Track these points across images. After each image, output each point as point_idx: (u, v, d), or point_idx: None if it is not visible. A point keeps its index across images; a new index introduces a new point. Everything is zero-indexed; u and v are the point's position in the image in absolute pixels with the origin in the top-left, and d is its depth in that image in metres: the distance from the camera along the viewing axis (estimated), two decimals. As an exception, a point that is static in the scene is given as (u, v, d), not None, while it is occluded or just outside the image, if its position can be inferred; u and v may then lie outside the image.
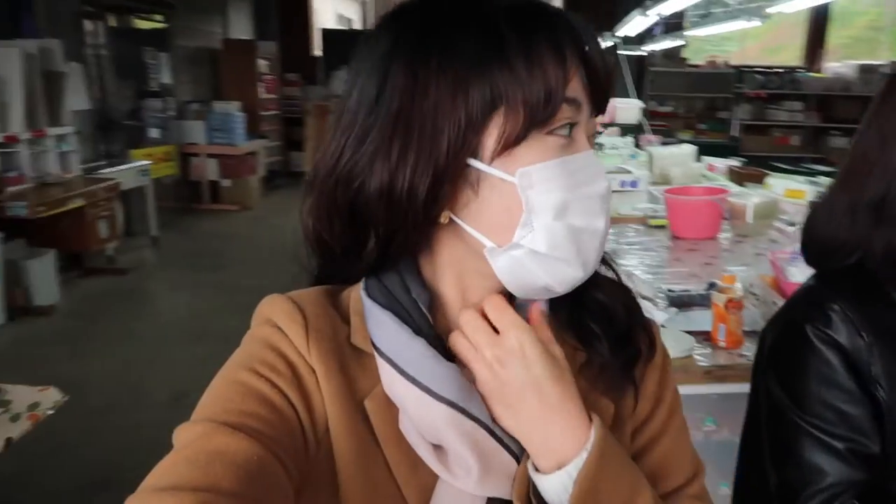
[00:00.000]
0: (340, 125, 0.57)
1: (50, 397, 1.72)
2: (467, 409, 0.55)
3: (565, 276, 0.56)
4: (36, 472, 2.58)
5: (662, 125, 8.34)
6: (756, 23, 4.06)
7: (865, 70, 8.88)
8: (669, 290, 1.87)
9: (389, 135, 0.54)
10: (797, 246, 1.90)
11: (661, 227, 2.68)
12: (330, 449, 0.56)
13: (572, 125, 0.55)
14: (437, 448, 0.56)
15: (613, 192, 3.38)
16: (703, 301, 1.75)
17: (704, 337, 1.57)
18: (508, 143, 0.53)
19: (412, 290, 0.60)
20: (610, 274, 0.66)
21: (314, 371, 0.56)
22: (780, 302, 1.65)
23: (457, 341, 0.58)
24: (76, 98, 5.40)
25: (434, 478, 0.57)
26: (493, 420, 0.56)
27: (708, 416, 1.48)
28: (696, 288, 1.89)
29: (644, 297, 1.79)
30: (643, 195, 3.39)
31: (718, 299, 1.54)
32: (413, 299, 0.59)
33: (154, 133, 6.88)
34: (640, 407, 0.65)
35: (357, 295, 0.61)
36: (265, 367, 0.56)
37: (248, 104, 8.02)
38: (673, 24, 6.50)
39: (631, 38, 6.49)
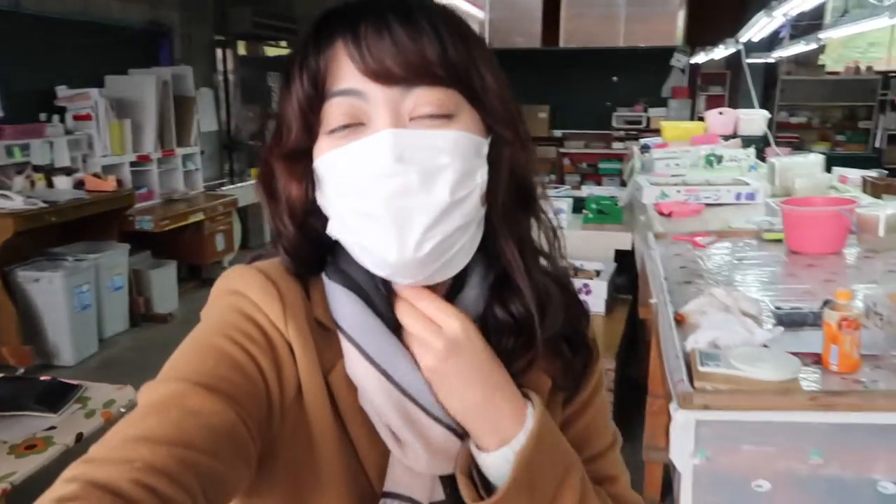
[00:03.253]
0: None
1: (126, 395, 1.79)
2: (415, 397, 0.57)
3: (369, 260, 0.58)
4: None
5: (793, 137, 7.76)
6: (898, 19, 3.65)
7: None
8: (777, 308, 1.67)
9: (275, 129, 0.62)
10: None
11: (778, 241, 2.44)
12: (294, 422, 0.57)
13: (349, 122, 0.56)
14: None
15: (728, 205, 3.23)
16: (815, 320, 1.55)
17: (814, 360, 1.38)
18: (300, 144, 0.59)
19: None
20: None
21: (290, 345, 0.58)
22: (910, 322, 1.42)
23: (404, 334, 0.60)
24: (205, 120, 5.80)
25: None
26: (439, 405, 0.58)
27: (814, 449, 1.28)
28: (808, 306, 1.68)
29: (746, 315, 1.61)
30: (761, 208, 3.13)
31: (831, 318, 1.35)
32: (371, 278, 0.60)
33: (273, 153, 7.25)
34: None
35: (316, 274, 0.63)
36: (240, 335, 0.56)
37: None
38: (805, 27, 6.03)
39: (757, 45, 6.07)
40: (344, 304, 0.60)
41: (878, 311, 1.54)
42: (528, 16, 9.70)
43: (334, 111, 0.57)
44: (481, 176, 0.59)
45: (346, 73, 0.56)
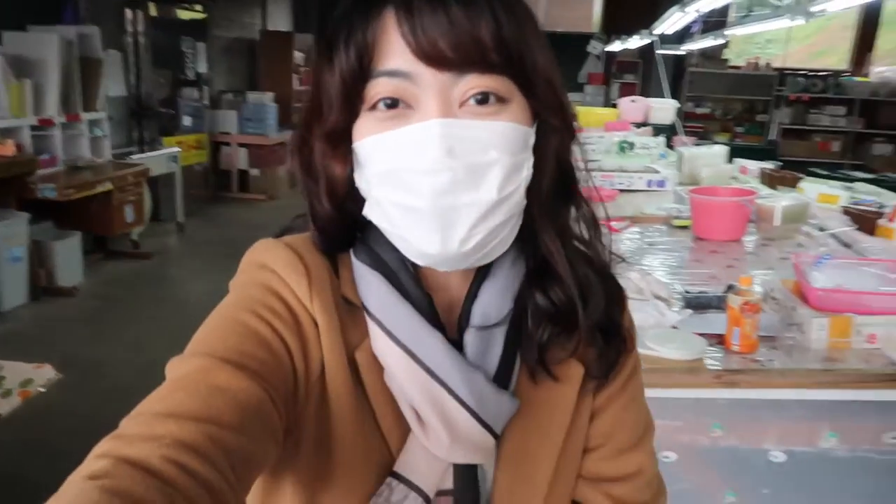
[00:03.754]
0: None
1: (43, 374, 1.72)
2: (443, 379, 0.57)
3: (410, 251, 0.57)
4: (47, 444, 2.60)
5: (698, 127, 8.16)
6: (800, 21, 3.91)
7: (915, 76, 8.56)
8: (686, 292, 1.80)
9: (309, 107, 0.59)
10: (822, 250, 1.81)
11: (685, 227, 2.60)
12: (319, 398, 0.57)
13: (395, 101, 0.54)
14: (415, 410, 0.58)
15: (640, 191, 3.40)
16: (719, 304, 1.68)
17: (718, 340, 1.51)
18: (341, 123, 0.56)
19: (397, 249, 0.60)
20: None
21: (315, 322, 0.57)
22: (802, 308, 1.57)
23: None
24: (113, 85, 5.48)
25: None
26: (467, 389, 0.57)
27: (715, 422, 1.40)
28: (713, 290, 1.82)
29: (658, 298, 1.73)
30: (670, 195, 3.30)
31: (734, 301, 1.47)
32: (400, 258, 0.59)
33: (187, 121, 6.96)
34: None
35: (345, 252, 0.62)
36: (266, 311, 0.56)
37: (283, 96, 8.06)
38: (713, 24, 6.34)
39: (669, 37, 6.35)
40: (371, 285, 0.59)
41: (774, 295, 1.69)
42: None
43: (380, 90, 0.54)
44: (528, 169, 0.57)
45: (396, 50, 0.53)
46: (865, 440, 1.38)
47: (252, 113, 7.53)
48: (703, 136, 6.52)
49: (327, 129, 0.57)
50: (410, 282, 0.59)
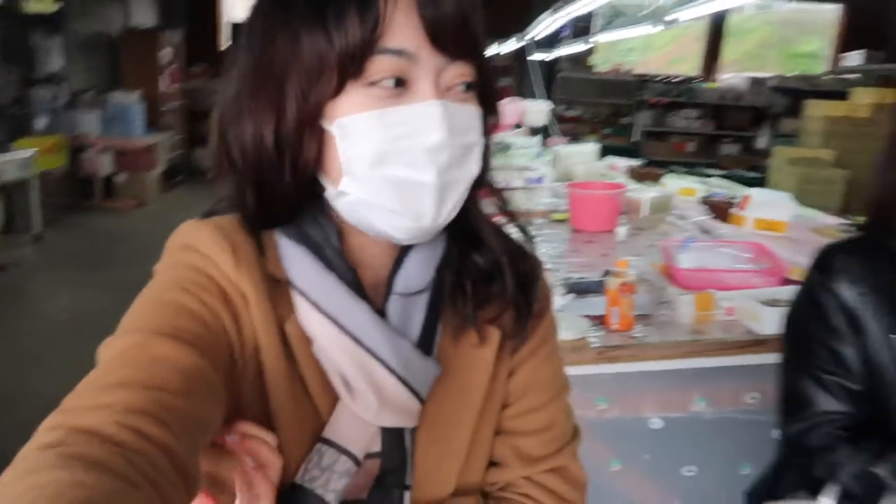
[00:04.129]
0: (229, 77, 0.60)
1: None
2: (370, 347, 0.59)
3: (397, 224, 0.58)
4: None
5: (569, 128, 8.56)
6: (660, 27, 4.23)
7: (755, 82, 9.47)
8: (567, 278, 1.90)
9: (250, 86, 0.57)
10: (686, 235, 1.97)
11: (563, 221, 2.74)
12: (254, 370, 0.58)
13: (400, 79, 0.55)
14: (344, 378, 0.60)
15: (519, 188, 3.54)
16: (598, 288, 1.79)
17: (599, 321, 1.60)
18: (327, 96, 0.55)
19: (324, 225, 0.61)
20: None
21: (244, 295, 0.58)
22: (670, 287, 1.71)
23: None
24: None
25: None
26: (395, 357, 0.59)
27: (599, 396, 1.50)
28: (591, 276, 1.93)
29: (542, 284, 1.82)
30: (547, 191, 3.46)
31: (612, 284, 1.57)
32: (325, 233, 0.61)
33: (41, 122, 6.41)
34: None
35: (269, 231, 0.62)
36: (195, 287, 0.56)
37: (149, 95, 7.62)
38: (581, 29, 6.68)
39: (541, 42, 6.63)
40: (297, 260, 0.60)
41: (646, 278, 1.82)
42: None
43: (384, 67, 0.54)
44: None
45: (405, 28, 0.54)
46: (729, 402, 1.53)
47: (116, 113, 7.05)
48: (574, 137, 6.84)
49: (313, 101, 0.56)
50: (336, 256, 0.61)
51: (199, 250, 0.58)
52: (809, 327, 1.05)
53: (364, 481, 0.62)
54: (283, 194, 0.59)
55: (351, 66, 0.54)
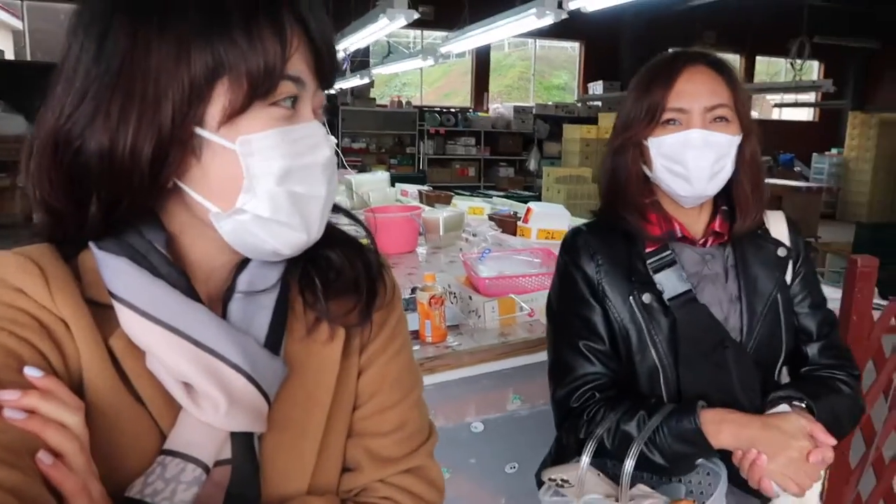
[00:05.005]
0: (61, 81, 0.55)
1: None
2: (213, 348, 0.57)
3: (290, 239, 0.59)
4: None
5: (357, 161, 8.70)
6: (430, 61, 4.50)
7: (520, 111, 10.43)
8: (377, 299, 1.92)
9: (109, 95, 0.53)
10: (483, 247, 2.08)
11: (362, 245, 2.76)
12: (87, 391, 0.55)
13: (295, 98, 0.58)
14: (187, 384, 0.57)
15: None
16: (409, 305, 1.83)
17: (415, 335, 1.63)
18: (233, 113, 0.55)
19: (146, 235, 0.59)
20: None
21: (62, 319, 0.55)
22: (475, 296, 1.80)
23: None
24: None
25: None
26: (241, 355, 0.58)
27: (423, 409, 1.52)
28: (403, 294, 1.97)
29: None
30: (343, 220, 3.47)
31: (423, 297, 1.62)
32: (148, 241, 0.59)
33: None
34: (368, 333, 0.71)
35: (87, 251, 0.59)
36: (6, 321, 0.53)
37: None
38: (359, 63, 6.85)
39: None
40: (119, 271, 0.57)
41: (451, 290, 1.90)
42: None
43: (286, 89, 0.57)
44: None
45: (301, 55, 0.57)
46: (540, 396, 1.64)
47: None
48: (362, 169, 6.98)
49: (228, 113, 0.55)
50: (163, 262, 0.59)
51: (5, 280, 0.55)
52: (563, 302, 1.18)
53: (216, 492, 0.59)
54: (135, 207, 0.57)
55: (265, 85, 0.55)
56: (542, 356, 1.63)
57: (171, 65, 0.53)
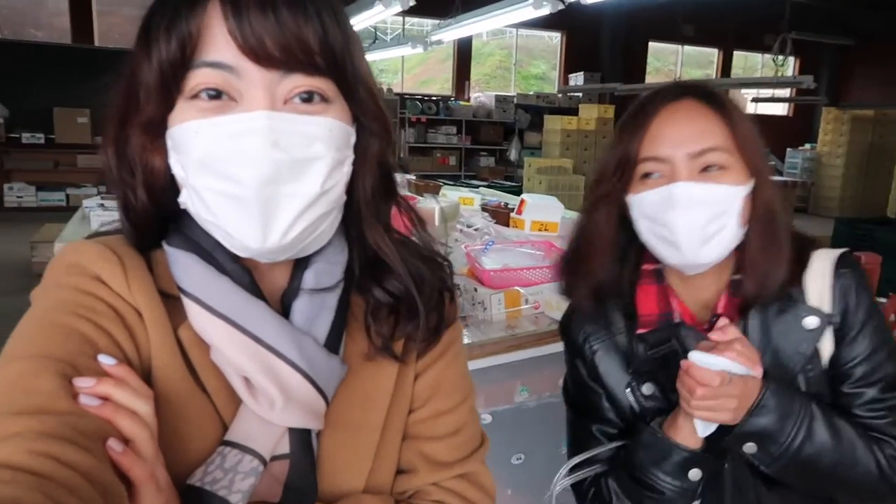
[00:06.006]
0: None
1: None
2: (271, 344, 0.57)
3: (237, 242, 0.56)
4: None
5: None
6: (419, 48, 4.47)
7: (500, 100, 10.43)
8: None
9: (115, 105, 0.59)
10: (485, 238, 2.08)
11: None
12: (157, 379, 0.57)
13: (217, 91, 0.54)
14: (246, 379, 0.58)
15: None
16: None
17: (420, 328, 1.63)
18: (161, 110, 0.56)
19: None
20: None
21: (136, 308, 0.57)
22: (481, 288, 1.81)
23: None
24: None
25: None
26: (299, 354, 0.58)
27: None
28: (403, 285, 1.96)
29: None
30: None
31: (430, 290, 1.62)
32: (214, 239, 0.59)
33: None
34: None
35: (158, 247, 0.62)
36: (85, 310, 0.55)
37: None
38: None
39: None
40: (187, 266, 0.59)
41: (456, 282, 1.90)
42: (50, 8, 8.58)
43: (202, 80, 0.54)
44: (348, 165, 0.60)
45: (221, 44, 0.53)
46: (547, 388, 1.66)
47: None
48: (345, 156, 6.96)
49: (144, 119, 0.57)
50: (227, 258, 0.60)
51: (85, 268, 0.57)
52: (572, 384, 1.10)
53: (274, 485, 0.60)
54: (142, 209, 0.60)
55: (171, 82, 0.54)
56: (550, 349, 1.65)
57: (144, 76, 0.56)
